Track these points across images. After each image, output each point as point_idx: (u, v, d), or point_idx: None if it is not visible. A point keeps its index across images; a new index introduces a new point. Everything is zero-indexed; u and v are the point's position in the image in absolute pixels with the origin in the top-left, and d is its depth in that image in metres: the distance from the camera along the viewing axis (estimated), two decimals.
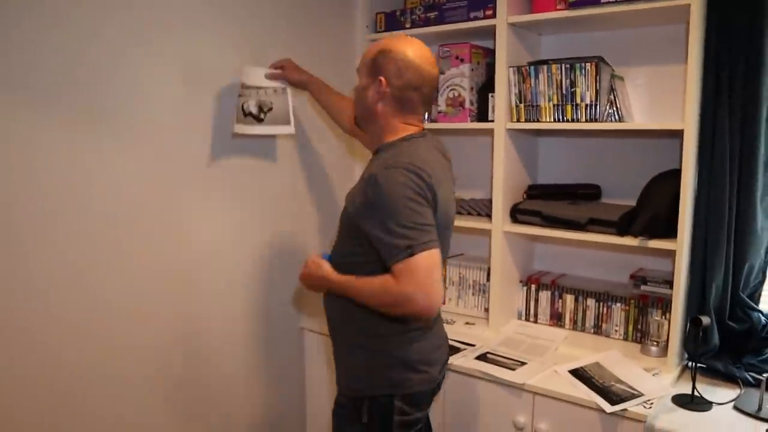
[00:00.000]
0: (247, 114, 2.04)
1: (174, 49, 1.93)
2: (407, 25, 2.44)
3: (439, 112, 2.41)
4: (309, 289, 1.74)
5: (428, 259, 1.42)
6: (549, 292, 2.36)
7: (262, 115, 2.07)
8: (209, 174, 2.08)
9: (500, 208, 2.27)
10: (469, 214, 2.49)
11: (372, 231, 1.48)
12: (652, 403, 1.73)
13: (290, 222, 2.42)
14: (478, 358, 2.07)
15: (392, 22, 2.50)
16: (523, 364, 2.02)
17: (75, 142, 1.70)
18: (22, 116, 1.59)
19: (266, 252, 2.33)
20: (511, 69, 2.20)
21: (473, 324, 2.43)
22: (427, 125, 2.43)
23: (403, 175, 1.46)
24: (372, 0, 2.58)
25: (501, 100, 2.23)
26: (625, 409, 1.72)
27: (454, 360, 2.05)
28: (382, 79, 1.59)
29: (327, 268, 1.65)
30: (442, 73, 2.37)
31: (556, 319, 2.35)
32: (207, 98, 2.05)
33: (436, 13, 2.36)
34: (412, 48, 1.60)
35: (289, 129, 2.13)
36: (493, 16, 2.21)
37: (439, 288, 1.46)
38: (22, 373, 1.65)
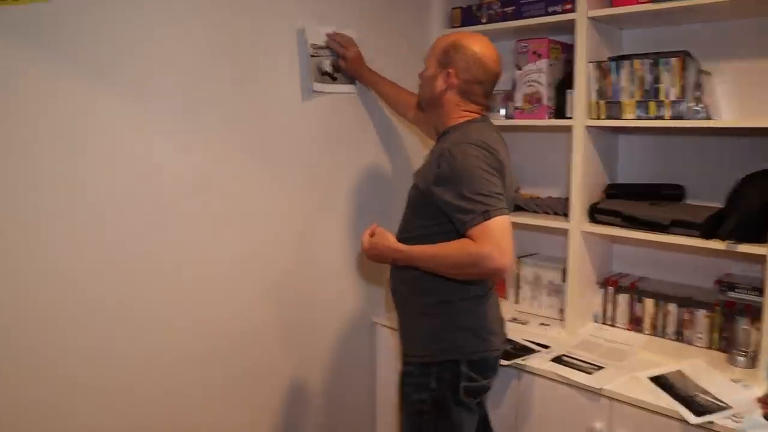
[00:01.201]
0: (323, 73, 2.18)
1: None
2: (484, 20, 2.41)
3: (516, 109, 2.37)
4: (373, 260, 1.79)
5: (503, 222, 1.52)
6: (628, 296, 2.28)
7: (336, 74, 2.25)
8: (278, 163, 2.11)
9: (578, 207, 2.21)
10: (545, 212, 2.43)
11: (448, 200, 1.57)
12: (741, 417, 1.65)
13: (360, 211, 2.43)
14: (554, 360, 2.03)
15: (469, 17, 2.47)
16: (600, 368, 1.96)
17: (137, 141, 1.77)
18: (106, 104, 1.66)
19: (337, 243, 2.36)
20: (590, 64, 2.14)
21: (548, 325, 2.38)
22: (504, 122, 2.40)
23: (475, 149, 1.59)
24: None
25: (580, 96, 2.17)
26: (711, 422, 1.64)
27: (529, 361, 2.02)
28: (451, 71, 1.72)
29: (392, 238, 1.72)
30: (519, 68, 2.33)
31: (635, 323, 2.27)
32: (271, 89, 2.07)
33: (514, 7, 2.32)
34: (480, 45, 1.72)
35: (353, 88, 2.32)
36: (572, 10, 2.16)
37: (512, 249, 1.52)
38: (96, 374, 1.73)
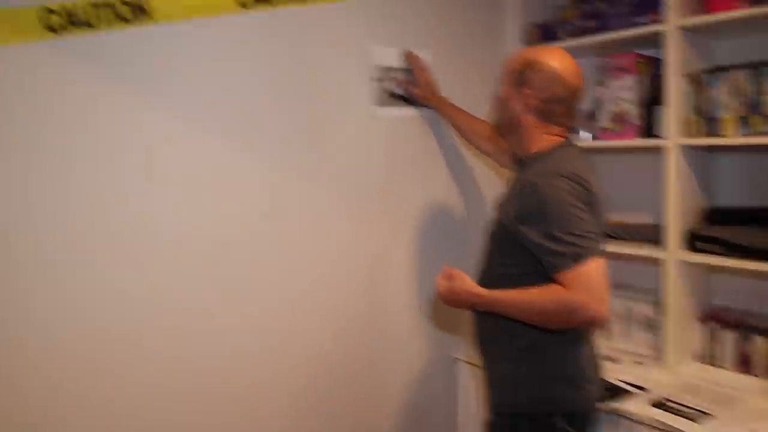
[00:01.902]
0: (393, 96, 2.10)
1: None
2: (563, 37, 2.27)
3: (601, 129, 2.20)
4: (449, 305, 1.63)
5: (598, 265, 1.39)
6: (734, 332, 2.04)
7: (407, 96, 2.16)
8: (346, 192, 2.03)
9: (673, 234, 2.01)
10: (635, 240, 2.24)
11: (535, 240, 1.43)
12: None
13: (434, 242, 2.30)
14: (655, 405, 1.81)
15: (547, 34, 2.34)
16: (708, 415, 1.74)
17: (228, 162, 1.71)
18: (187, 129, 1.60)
19: (410, 273, 2.23)
20: (683, 78, 1.96)
21: (642, 364, 2.16)
22: (588, 143, 2.23)
23: (565, 183, 1.44)
24: (523, 11, 2.44)
25: (672, 113, 1.99)
26: None
27: (625, 405, 1.81)
28: (528, 91, 1.57)
29: (470, 281, 1.56)
30: (603, 86, 2.17)
31: (744, 364, 2.02)
32: (338, 114, 2.01)
33: (596, 21, 2.17)
34: (558, 60, 1.57)
35: (429, 111, 2.20)
36: (661, 20, 2.00)
37: (609, 296, 1.39)
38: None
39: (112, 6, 1.45)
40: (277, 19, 1.78)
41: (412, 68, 2.13)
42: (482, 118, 2.12)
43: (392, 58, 2.09)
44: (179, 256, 1.66)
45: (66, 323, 1.50)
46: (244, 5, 1.66)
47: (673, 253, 2.02)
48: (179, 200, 1.65)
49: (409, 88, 2.14)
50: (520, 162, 1.65)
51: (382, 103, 2.07)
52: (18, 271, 1.42)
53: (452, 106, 2.17)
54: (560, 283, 1.38)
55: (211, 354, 1.73)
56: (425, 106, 2.20)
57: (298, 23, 1.84)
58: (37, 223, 1.44)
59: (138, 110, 1.55)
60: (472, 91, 2.25)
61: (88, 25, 1.42)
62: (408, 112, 2.16)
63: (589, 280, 1.36)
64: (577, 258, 1.36)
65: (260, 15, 1.70)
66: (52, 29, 1.38)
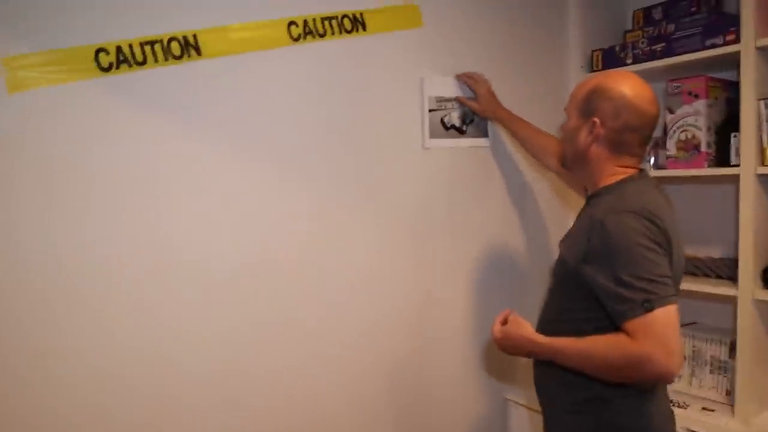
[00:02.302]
0: (449, 127, 2.03)
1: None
2: (629, 61, 2.16)
3: (669, 158, 2.08)
4: (505, 352, 1.54)
5: (669, 315, 1.25)
6: None
7: (464, 127, 2.09)
8: (396, 227, 1.97)
9: (749, 270, 1.86)
10: (705, 275, 2.09)
11: (601, 283, 1.32)
12: None
13: (489, 281, 2.21)
14: None
15: (611, 59, 2.23)
16: None
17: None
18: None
19: (462, 310, 2.15)
20: (761, 102, 1.82)
21: (712, 410, 2.00)
22: (655, 173, 2.11)
23: (635, 220, 1.31)
24: (587, 36, 2.34)
25: (748, 140, 1.85)
26: None
27: None
28: (596, 120, 1.44)
29: (529, 327, 1.47)
30: (672, 112, 2.05)
31: None
32: (400, 143, 1.97)
33: (664, 44, 2.06)
34: (629, 84, 1.43)
35: (487, 141, 2.15)
36: (737, 40, 1.86)
37: (681, 348, 1.28)
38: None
39: (161, 43, 1.48)
40: (327, 50, 1.77)
41: (467, 84, 2.06)
42: (550, 133, 2.01)
43: (447, 88, 2.04)
44: (228, 287, 1.65)
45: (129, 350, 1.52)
46: (295, 38, 1.67)
47: (748, 290, 1.87)
48: (228, 232, 1.64)
49: (468, 104, 2.07)
50: (589, 197, 1.54)
51: (436, 135, 2.02)
52: (69, 295, 1.45)
53: (517, 118, 2.06)
54: (627, 333, 1.26)
55: (254, 394, 1.72)
56: (489, 119, 2.13)
57: (349, 54, 1.82)
58: (91, 247, 1.47)
59: (187, 141, 1.56)
60: (534, 122, 2.14)
61: (138, 63, 1.46)
62: (464, 143, 2.09)
63: (660, 331, 1.23)
64: (647, 305, 1.24)
65: (310, 46, 1.71)
66: (103, 68, 1.42)
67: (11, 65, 1.34)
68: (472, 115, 2.10)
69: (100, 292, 1.48)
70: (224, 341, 1.66)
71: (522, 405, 2.20)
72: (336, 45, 1.77)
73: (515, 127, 2.06)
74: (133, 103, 1.48)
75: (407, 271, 2.01)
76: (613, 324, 1.31)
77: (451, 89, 2.05)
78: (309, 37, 1.69)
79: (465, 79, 2.07)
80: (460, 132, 2.07)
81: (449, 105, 2.04)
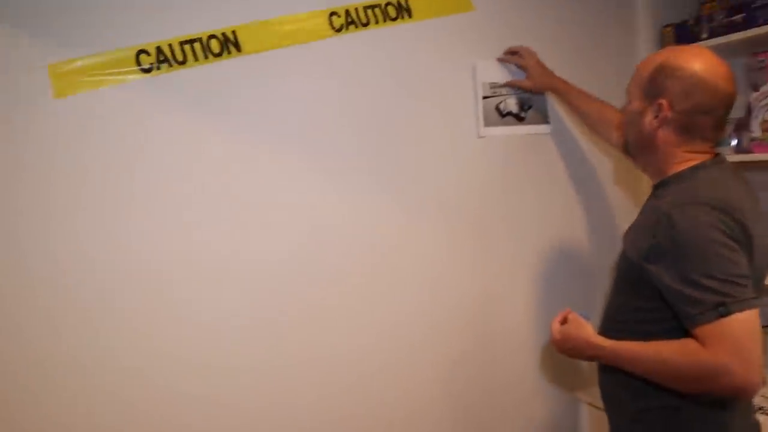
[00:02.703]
0: (505, 114, 1.92)
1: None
2: (704, 35, 1.97)
3: (753, 140, 1.89)
4: (564, 354, 1.44)
5: (747, 321, 1.12)
6: None
7: (523, 114, 1.96)
8: (450, 222, 1.88)
9: None
10: None
11: (667, 283, 1.19)
12: None
13: (552, 280, 2.08)
14: None
15: (684, 34, 2.05)
16: None
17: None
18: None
19: (524, 307, 2.03)
20: None
21: None
22: (738, 157, 1.92)
23: (707, 213, 1.17)
24: (657, 11, 2.16)
25: None
26: None
27: None
28: (663, 102, 1.29)
29: (589, 329, 1.36)
30: (755, 89, 1.86)
31: None
32: (453, 133, 1.88)
33: (744, 15, 1.87)
34: (700, 60, 1.27)
35: (548, 128, 2.02)
36: None
37: (761, 359, 1.12)
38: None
39: (200, 41, 1.47)
40: (371, 40, 1.70)
41: (512, 62, 1.93)
42: (613, 105, 1.83)
43: (501, 73, 1.93)
44: (276, 287, 1.63)
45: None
46: (337, 29, 1.62)
47: None
48: (277, 232, 1.62)
49: (518, 84, 1.94)
50: (655, 186, 1.39)
51: (491, 123, 1.91)
52: (110, 298, 1.46)
53: (575, 89, 1.90)
54: (699, 340, 1.14)
55: (306, 396, 1.69)
56: (541, 93, 1.99)
57: (394, 43, 1.75)
58: (134, 249, 1.47)
59: (227, 139, 1.55)
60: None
61: (179, 62, 1.45)
62: (522, 130, 1.97)
63: (737, 340, 1.10)
64: (722, 310, 1.11)
65: (353, 36, 1.66)
66: (144, 70, 1.43)
67: (56, 71, 1.36)
68: (530, 100, 1.97)
69: (141, 295, 1.48)
70: (273, 342, 1.63)
71: (594, 405, 2.05)
72: (380, 34, 1.70)
73: (573, 98, 1.90)
74: (175, 102, 1.47)
75: (466, 267, 1.91)
76: (681, 328, 1.19)
77: (505, 74, 1.94)
78: (351, 27, 1.64)
79: (508, 58, 1.93)
80: (519, 119, 1.95)
81: (504, 91, 1.92)
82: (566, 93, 1.91)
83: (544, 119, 2.01)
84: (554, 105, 2.03)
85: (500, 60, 1.93)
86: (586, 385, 2.14)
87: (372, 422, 1.78)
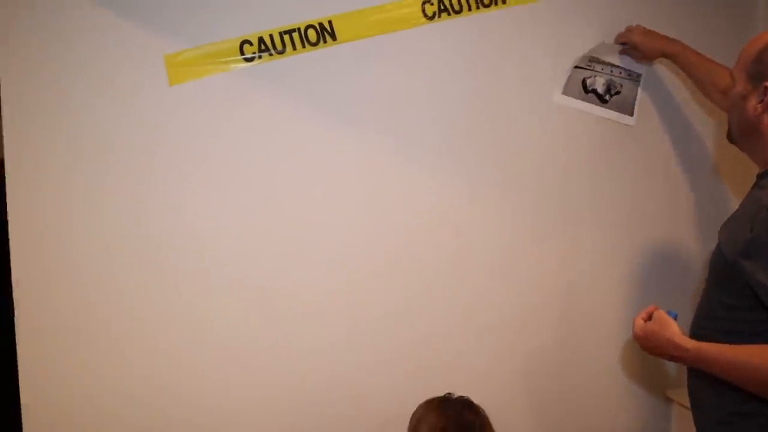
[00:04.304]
0: (589, 90, 1.85)
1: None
2: None
3: None
4: (647, 352, 1.40)
5: None
6: None
7: (607, 96, 1.88)
8: (530, 202, 1.85)
9: None
10: None
11: (762, 282, 1.14)
12: None
13: (655, 267, 2.00)
14: None
15: None
16: None
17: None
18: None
19: (623, 305, 1.96)
20: None
21: None
22: None
23: None
24: None
25: None
26: None
27: None
28: None
29: (674, 328, 1.30)
30: None
31: None
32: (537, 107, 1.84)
33: None
34: None
35: (631, 120, 1.91)
36: None
37: None
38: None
39: (299, 31, 1.56)
40: (465, 26, 1.71)
41: (621, 40, 1.84)
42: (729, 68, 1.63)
43: (605, 49, 1.84)
44: (358, 276, 1.69)
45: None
46: (430, 17, 1.66)
47: None
48: (350, 213, 1.68)
49: (629, 54, 1.85)
50: (759, 176, 1.32)
51: (570, 93, 1.83)
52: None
53: (692, 53, 1.74)
54: None
55: (379, 390, 1.74)
56: (650, 61, 1.88)
57: (489, 28, 1.75)
58: (233, 231, 1.59)
59: (323, 126, 1.62)
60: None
61: (278, 51, 1.55)
62: (601, 112, 1.87)
63: None
64: None
65: (446, 24, 1.68)
66: (247, 59, 1.54)
67: (171, 61, 1.50)
68: (621, 87, 1.88)
69: (242, 280, 1.60)
70: (356, 328, 1.70)
71: (685, 406, 1.95)
72: (475, 20, 1.71)
73: (688, 63, 1.74)
74: (273, 90, 1.57)
75: (548, 257, 1.88)
76: None
77: (608, 52, 1.85)
78: (444, 14, 1.66)
79: (618, 40, 1.84)
80: (602, 101, 1.87)
81: (599, 68, 1.85)
82: (681, 58, 1.76)
83: (630, 111, 1.91)
84: (647, 101, 1.93)
85: (617, 44, 1.86)
86: (678, 385, 2.04)
87: None
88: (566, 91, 1.83)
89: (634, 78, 1.89)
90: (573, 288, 1.91)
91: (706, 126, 1.99)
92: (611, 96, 1.88)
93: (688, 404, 1.92)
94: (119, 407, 1.54)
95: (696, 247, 2.02)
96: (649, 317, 1.37)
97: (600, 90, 1.87)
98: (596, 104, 1.86)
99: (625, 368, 2.00)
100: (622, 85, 1.89)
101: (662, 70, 1.93)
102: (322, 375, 1.68)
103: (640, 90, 1.90)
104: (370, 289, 1.71)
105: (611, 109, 1.88)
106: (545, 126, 1.83)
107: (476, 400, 1.71)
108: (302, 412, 1.67)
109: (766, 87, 1.22)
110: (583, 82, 1.85)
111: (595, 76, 1.86)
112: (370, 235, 1.69)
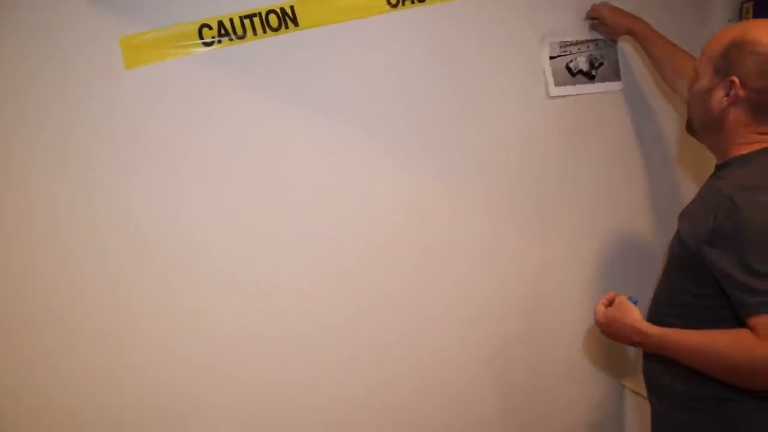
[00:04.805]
0: (575, 73, 1.87)
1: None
2: None
3: None
4: (608, 337, 1.41)
5: None
6: None
7: (593, 72, 1.90)
8: (507, 194, 1.86)
9: None
10: None
11: (725, 269, 1.16)
12: None
13: (622, 257, 2.03)
14: None
15: (765, 10, 1.94)
16: None
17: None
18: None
19: (588, 294, 1.99)
20: None
21: None
22: None
23: None
24: None
25: None
26: None
27: None
28: (735, 79, 1.23)
29: (636, 314, 1.32)
30: None
31: None
32: (513, 95, 1.84)
33: None
34: None
35: (619, 85, 1.95)
36: None
37: None
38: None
39: (260, 16, 1.53)
40: (428, 14, 1.70)
41: (588, 16, 1.87)
42: (693, 56, 1.68)
43: (571, 30, 1.87)
44: (324, 270, 1.68)
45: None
46: (393, 4, 1.65)
47: None
48: (318, 206, 1.66)
49: (596, 28, 1.88)
50: (717, 167, 1.35)
51: (561, 83, 1.86)
52: (178, 272, 1.55)
53: (655, 33, 1.76)
54: (754, 331, 1.10)
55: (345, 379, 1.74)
56: (614, 39, 1.92)
57: (451, 15, 1.73)
58: (195, 220, 1.56)
59: (284, 113, 1.60)
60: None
61: (238, 36, 1.52)
62: (592, 88, 1.90)
63: None
64: None
65: (409, 12, 1.67)
66: (206, 43, 1.50)
67: (127, 43, 1.46)
68: (602, 57, 1.90)
69: (204, 272, 1.57)
70: (333, 318, 1.69)
71: (639, 394, 2.01)
72: (441, 9, 1.70)
73: (650, 43, 1.77)
74: (234, 76, 1.54)
75: (521, 246, 1.89)
76: (735, 317, 1.16)
77: (575, 32, 1.87)
78: (407, 2, 1.65)
79: (588, 15, 1.86)
80: (590, 77, 1.89)
81: (575, 49, 1.87)
82: (644, 37, 1.78)
83: (615, 75, 1.94)
84: (627, 60, 1.96)
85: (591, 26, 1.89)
86: (633, 372, 2.09)
87: (416, 402, 1.82)
88: (557, 82, 1.85)
89: (610, 45, 1.93)
90: (541, 278, 1.94)
91: (666, 115, 2.03)
92: (596, 70, 1.90)
93: (642, 391, 1.96)
94: (115, 405, 1.52)
95: (654, 235, 2.06)
96: (610, 303, 1.38)
97: (585, 68, 1.88)
98: (586, 83, 1.89)
99: (584, 355, 2.04)
100: (602, 56, 1.91)
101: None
102: (311, 370, 1.68)
103: (620, 51, 1.94)
104: (345, 284, 1.70)
105: (599, 82, 1.91)
106: (519, 114, 1.84)
107: (444, 389, 1.72)
108: (293, 407, 1.68)
109: (732, 81, 1.23)
110: (567, 66, 1.87)
111: (575, 58, 1.87)
112: (340, 228, 1.68)
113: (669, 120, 2.04)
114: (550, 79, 1.85)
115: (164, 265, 1.53)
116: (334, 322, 1.69)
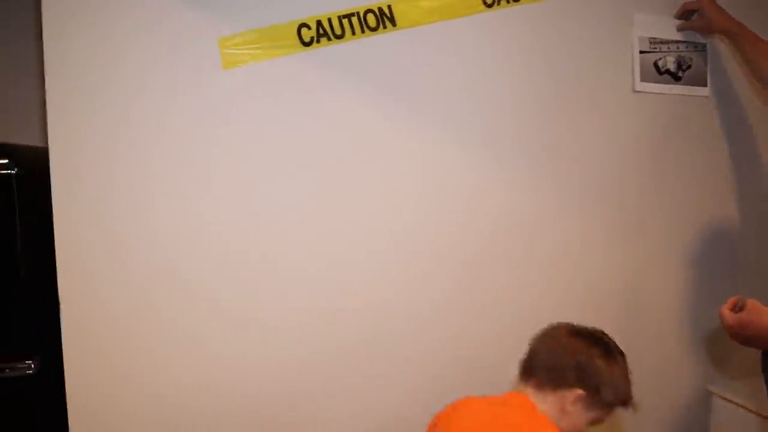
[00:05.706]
0: (663, 71, 1.83)
1: None
2: None
3: None
4: (739, 342, 1.33)
5: None
6: None
7: (680, 73, 1.88)
8: (596, 196, 1.81)
9: None
10: None
11: None
12: None
13: (716, 262, 1.98)
14: None
15: None
16: None
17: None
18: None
19: (678, 292, 1.95)
20: None
21: None
22: None
23: None
24: None
25: None
26: None
27: None
28: None
29: None
30: None
31: None
32: (603, 95, 1.80)
33: None
34: None
35: (705, 91, 1.91)
36: None
37: None
38: None
39: (358, 15, 1.49)
40: (523, 13, 1.67)
41: (688, 8, 1.82)
42: None
43: (663, 28, 1.83)
44: (392, 257, 1.64)
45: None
46: (489, 4, 1.61)
47: None
48: (407, 207, 1.63)
49: (690, 26, 1.84)
50: None
51: (647, 79, 1.82)
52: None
53: (751, 35, 1.73)
54: None
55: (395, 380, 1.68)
56: (706, 38, 1.88)
57: (545, 13, 1.70)
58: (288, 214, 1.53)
59: (381, 112, 1.57)
60: None
61: (337, 36, 1.49)
62: (678, 89, 1.85)
63: None
64: None
65: (504, 12, 1.64)
66: (305, 43, 1.47)
67: (225, 44, 1.43)
68: (690, 60, 1.86)
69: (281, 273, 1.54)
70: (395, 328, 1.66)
71: (727, 399, 1.94)
72: (536, 8, 1.67)
73: (746, 45, 1.73)
74: (332, 75, 1.51)
75: (606, 252, 1.84)
76: None
77: (667, 30, 1.84)
78: (503, 2, 1.61)
79: (693, 24, 1.83)
80: (676, 78, 1.86)
81: (664, 48, 1.83)
82: (741, 36, 1.74)
83: (702, 81, 1.91)
84: (715, 68, 1.92)
85: (687, 25, 1.84)
86: (723, 377, 2.03)
87: None
88: (643, 78, 1.82)
89: (700, 49, 1.89)
90: (632, 280, 1.89)
91: (755, 120, 1.98)
92: (683, 72, 1.87)
93: (730, 397, 1.90)
94: (147, 405, 1.48)
95: (745, 237, 2.01)
96: (733, 307, 1.33)
97: (672, 68, 1.85)
98: (671, 83, 1.85)
99: (670, 357, 1.98)
100: (692, 59, 1.88)
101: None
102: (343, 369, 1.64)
103: (709, 59, 1.90)
104: (447, 289, 1.68)
105: (686, 84, 1.88)
106: (616, 114, 1.81)
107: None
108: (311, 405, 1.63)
109: None
110: (655, 64, 1.83)
111: (665, 57, 1.84)
112: (429, 230, 1.64)
113: (759, 124, 1.99)
114: (637, 74, 1.81)
115: (269, 267, 1.52)
116: (435, 329, 1.67)
